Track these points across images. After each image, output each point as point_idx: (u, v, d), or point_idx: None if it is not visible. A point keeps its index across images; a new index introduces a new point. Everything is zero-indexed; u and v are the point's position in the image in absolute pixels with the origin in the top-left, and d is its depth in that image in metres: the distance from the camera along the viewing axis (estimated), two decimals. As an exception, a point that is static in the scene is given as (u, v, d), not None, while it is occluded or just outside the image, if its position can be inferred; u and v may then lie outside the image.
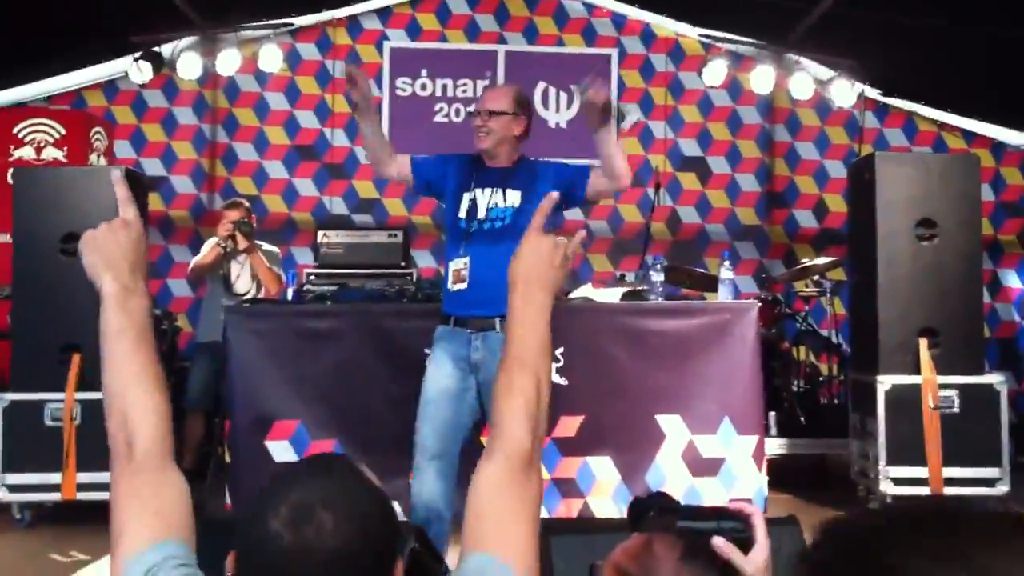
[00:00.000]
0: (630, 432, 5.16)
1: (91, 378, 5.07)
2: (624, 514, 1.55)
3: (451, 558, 2.65)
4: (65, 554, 4.66)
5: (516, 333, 1.68)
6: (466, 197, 4.06)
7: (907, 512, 1.00)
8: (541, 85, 8.83)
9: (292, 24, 8.57)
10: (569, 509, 5.14)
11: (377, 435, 4.96)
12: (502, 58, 8.89)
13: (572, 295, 5.42)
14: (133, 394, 1.63)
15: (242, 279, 6.31)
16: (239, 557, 1.34)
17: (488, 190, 4.04)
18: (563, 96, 8.86)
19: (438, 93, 8.83)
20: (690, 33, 8.83)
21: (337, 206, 8.71)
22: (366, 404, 5.06)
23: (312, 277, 5.53)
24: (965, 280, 5.59)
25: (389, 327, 5.14)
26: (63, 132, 7.72)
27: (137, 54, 7.75)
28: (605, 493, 5.15)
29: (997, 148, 8.91)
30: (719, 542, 1.43)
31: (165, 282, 8.42)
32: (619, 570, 1.48)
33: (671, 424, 5.17)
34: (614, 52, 8.97)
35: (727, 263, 5.56)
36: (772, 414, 6.29)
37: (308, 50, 8.81)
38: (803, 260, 7.59)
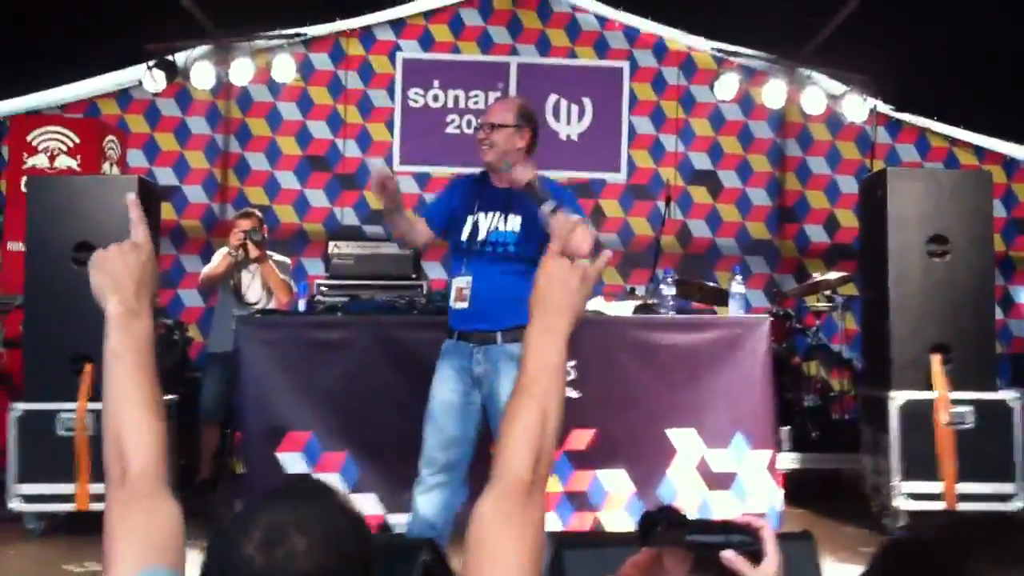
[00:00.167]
0: (642, 445, 5.14)
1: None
2: (636, 527, 1.55)
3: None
4: (79, 564, 4.64)
5: (527, 363, 1.66)
6: (469, 220, 4.13)
7: (972, 524, 1.01)
8: (553, 97, 8.85)
9: (305, 34, 8.60)
10: (582, 522, 5.12)
11: (388, 446, 4.95)
12: (514, 70, 8.91)
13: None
14: (129, 416, 1.62)
15: (253, 289, 6.31)
16: None
17: (491, 214, 4.10)
18: (575, 108, 8.88)
19: (450, 104, 8.85)
20: (702, 47, 8.83)
21: (348, 217, 8.72)
22: (377, 415, 5.04)
23: (323, 288, 5.53)
24: (977, 296, 5.57)
25: (400, 338, 5.13)
26: (77, 140, 7.75)
27: (151, 63, 7.77)
28: (617, 506, 5.13)
29: (1009, 164, 8.91)
30: (729, 555, 1.43)
31: (176, 292, 8.44)
32: None
33: (683, 438, 5.16)
34: (626, 65, 8.99)
35: (739, 277, 5.55)
36: (785, 429, 6.28)
37: (321, 60, 8.84)
38: (814, 275, 7.58)
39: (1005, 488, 5.28)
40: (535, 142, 4.14)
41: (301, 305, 5.95)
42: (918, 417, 5.31)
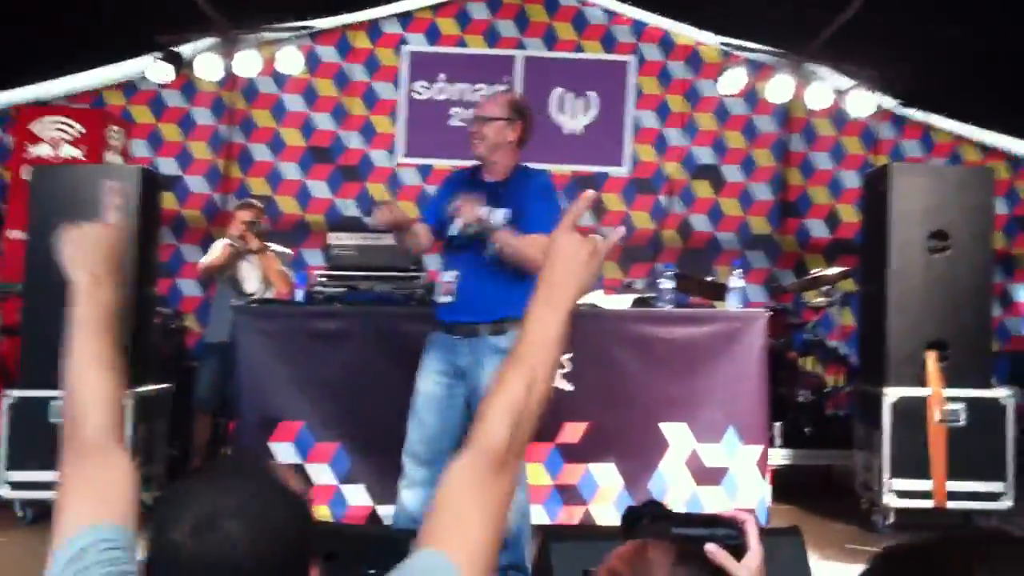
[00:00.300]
0: (634, 439, 5.16)
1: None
2: (621, 522, 1.57)
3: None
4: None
5: (524, 330, 1.66)
6: None
7: (971, 532, 1.04)
8: (558, 91, 8.84)
9: (312, 27, 8.62)
10: (571, 516, 5.14)
11: (382, 437, 4.95)
12: (520, 63, 8.91)
13: (580, 301, 5.42)
14: (87, 377, 1.67)
15: (251, 279, 6.34)
16: (148, 567, 1.31)
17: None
18: (579, 102, 8.87)
19: (455, 97, 8.86)
20: (710, 41, 8.82)
21: (350, 208, 8.75)
22: (372, 406, 5.06)
23: (322, 279, 5.55)
24: (976, 293, 5.55)
25: (397, 330, 5.15)
26: (81, 130, 7.78)
27: (158, 54, 7.80)
28: (607, 500, 5.15)
29: (1013, 161, 8.87)
30: (712, 548, 1.45)
31: (175, 282, 8.48)
32: (613, 575, 1.48)
33: (676, 432, 5.17)
34: (632, 59, 8.98)
35: (738, 271, 5.55)
36: (777, 424, 6.28)
37: (327, 53, 8.86)
38: (813, 270, 7.57)
39: (995, 487, 5.28)
40: (527, 135, 4.17)
41: (299, 296, 5.96)
42: (911, 414, 5.31)
